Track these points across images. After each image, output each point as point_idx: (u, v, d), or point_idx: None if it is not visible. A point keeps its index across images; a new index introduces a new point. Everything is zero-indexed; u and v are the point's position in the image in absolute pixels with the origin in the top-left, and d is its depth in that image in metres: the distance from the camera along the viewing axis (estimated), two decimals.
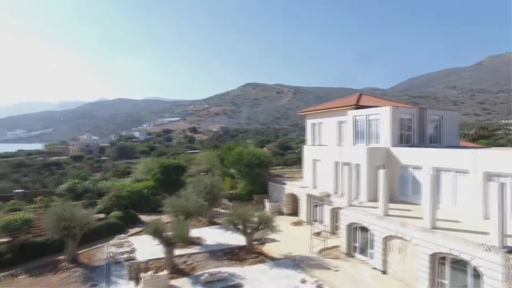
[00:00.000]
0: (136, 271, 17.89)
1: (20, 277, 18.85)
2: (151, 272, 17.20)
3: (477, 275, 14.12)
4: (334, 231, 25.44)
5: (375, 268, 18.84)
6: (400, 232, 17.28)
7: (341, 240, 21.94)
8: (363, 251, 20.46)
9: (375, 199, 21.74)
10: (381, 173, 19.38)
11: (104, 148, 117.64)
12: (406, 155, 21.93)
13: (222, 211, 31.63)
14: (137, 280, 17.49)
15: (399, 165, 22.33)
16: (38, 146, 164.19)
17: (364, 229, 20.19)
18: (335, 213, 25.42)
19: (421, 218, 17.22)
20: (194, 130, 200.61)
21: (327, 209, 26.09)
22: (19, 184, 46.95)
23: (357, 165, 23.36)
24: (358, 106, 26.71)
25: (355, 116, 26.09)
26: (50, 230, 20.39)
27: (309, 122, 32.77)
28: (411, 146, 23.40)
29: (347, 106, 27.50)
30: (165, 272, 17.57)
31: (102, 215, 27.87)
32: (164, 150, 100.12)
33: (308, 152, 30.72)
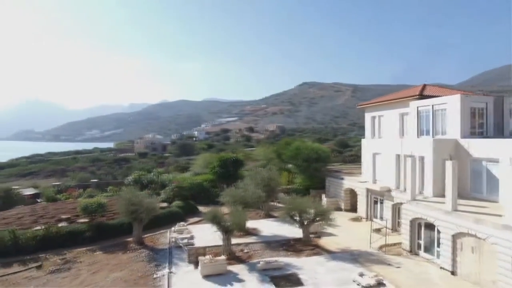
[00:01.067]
0: (195, 255, 18.67)
1: (97, 253, 20.91)
2: (210, 256, 17.83)
3: None
4: (395, 228, 24.17)
5: (442, 268, 17.46)
6: (473, 229, 15.76)
7: (403, 237, 20.75)
8: (428, 249, 19.12)
9: (441, 195, 20.15)
10: (449, 164, 17.93)
11: (166, 145, 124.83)
12: (479, 147, 20.00)
13: (279, 205, 31.72)
14: (196, 263, 18.28)
15: (470, 158, 20.47)
16: (109, 145, 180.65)
17: (430, 225, 18.86)
18: (396, 209, 24.13)
19: (499, 215, 15.60)
20: (251, 129, 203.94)
21: (388, 205, 24.87)
22: (94, 175, 51.88)
23: (422, 158, 21.92)
24: (422, 96, 25.01)
25: (419, 106, 24.49)
26: (121, 214, 22.21)
27: (368, 116, 31.48)
28: (485, 138, 21.34)
29: (410, 97, 25.91)
30: (223, 257, 18.10)
31: (164, 204, 29.59)
32: (222, 147, 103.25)
33: (368, 146, 29.56)
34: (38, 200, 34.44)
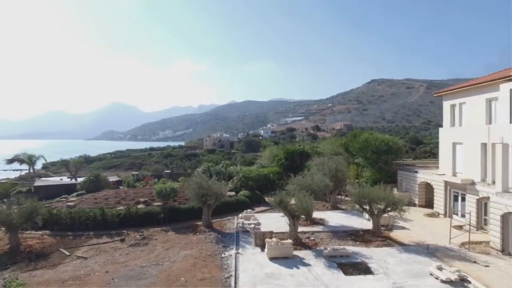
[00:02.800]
0: (261, 238, 18.85)
1: (169, 233, 22.34)
2: (276, 239, 17.85)
3: None
4: (480, 225, 21.77)
5: None
6: None
7: (491, 234, 18.54)
8: None
9: None
10: None
11: (233, 143, 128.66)
12: None
13: (347, 198, 30.67)
14: (262, 246, 18.45)
15: None
16: (180, 143, 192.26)
17: None
18: (481, 205, 21.72)
19: None
20: (317, 128, 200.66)
21: (471, 199, 22.47)
22: (167, 168, 55.52)
23: None
24: None
25: None
26: (191, 198, 23.32)
27: (447, 104, 28.76)
28: None
29: (501, 78, 23.03)
30: (289, 240, 17.99)
31: (232, 193, 30.43)
32: (288, 144, 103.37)
33: (446, 135, 27.05)
34: (120, 187, 37.97)
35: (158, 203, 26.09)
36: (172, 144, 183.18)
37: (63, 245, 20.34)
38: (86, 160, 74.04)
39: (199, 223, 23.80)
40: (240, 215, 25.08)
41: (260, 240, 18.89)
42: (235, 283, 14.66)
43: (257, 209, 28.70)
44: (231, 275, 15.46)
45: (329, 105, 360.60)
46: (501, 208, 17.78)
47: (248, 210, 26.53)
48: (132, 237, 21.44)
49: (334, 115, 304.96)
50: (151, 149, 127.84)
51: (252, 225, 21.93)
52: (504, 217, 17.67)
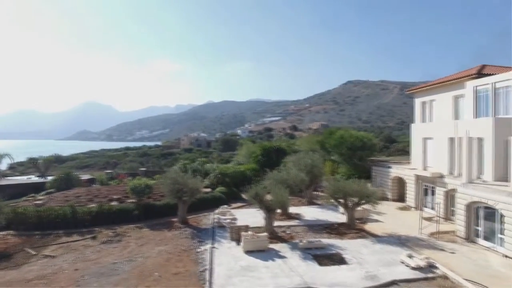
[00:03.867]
0: (237, 232, 18.77)
1: (144, 230, 21.85)
2: (252, 232, 17.83)
3: None
4: (448, 216, 22.62)
5: (507, 257, 15.86)
6: None
7: (457, 223, 19.32)
8: (488, 237, 17.58)
9: (504, 179, 18.45)
10: None
11: (210, 142, 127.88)
12: None
13: (322, 194, 31.08)
14: (238, 241, 18.38)
15: None
16: (157, 143, 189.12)
17: (490, 209, 17.34)
18: (449, 196, 22.56)
19: None
20: (294, 128, 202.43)
21: (439, 192, 23.31)
22: (143, 166, 54.36)
23: (480, 140, 20.24)
24: (480, 75, 23.15)
25: (477, 86, 22.64)
26: (166, 193, 22.93)
27: (418, 101, 29.78)
28: None
29: (466, 77, 24.09)
30: (265, 234, 18.01)
31: (208, 190, 30.18)
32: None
33: (417, 130, 27.94)
34: (93, 185, 36.84)
35: (133, 200, 25.49)
36: (148, 144, 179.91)
37: (29, 245, 19.40)
38: (58, 160, 71.41)
39: (175, 219, 23.44)
40: (216, 210, 24.91)
41: (236, 234, 18.81)
42: (210, 276, 14.53)
43: (233, 205, 28.59)
44: (206, 269, 15.31)
45: (306, 105, 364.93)
46: (466, 198, 18.53)
47: (224, 206, 26.40)
48: (104, 235, 20.81)
49: (311, 115, 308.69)
50: (127, 148, 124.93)
51: (228, 220, 21.86)
52: (468, 207, 18.42)
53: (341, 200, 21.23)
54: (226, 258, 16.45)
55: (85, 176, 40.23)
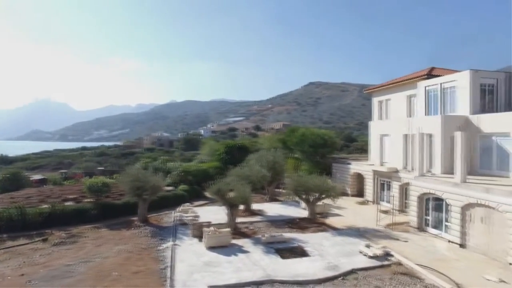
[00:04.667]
0: (199, 229, 18.54)
1: (102, 230, 20.91)
2: (214, 228, 17.69)
3: None
4: (402, 209, 23.83)
5: (451, 242, 17.14)
6: (483, 199, 15.41)
7: (410, 214, 20.43)
8: (436, 225, 18.76)
9: (450, 172, 19.77)
10: (458, 134, 17.58)
11: (173, 141, 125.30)
12: (489, 122, 19.61)
13: (284, 191, 31.54)
14: (200, 237, 18.16)
15: (480, 134, 20.07)
16: (117, 143, 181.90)
17: (438, 200, 18.51)
18: (404, 190, 23.78)
19: (509, 185, 15.25)
20: (257, 128, 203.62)
21: (395, 186, 24.51)
22: (100, 165, 52.06)
23: (430, 136, 21.54)
24: (430, 76, 24.66)
25: (427, 86, 24.13)
26: (126, 191, 22.16)
27: (375, 100, 31.15)
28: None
29: (417, 77, 25.56)
30: (227, 229, 17.94)
31: (170, 188, 29.57)
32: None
33: (375, 128, 29.19)
34: (45, 186, 34.71)
35: (90, 200, 24.37)
36: (107, 144, 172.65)
37: None
38: (4, 161, 66.34)
39: (135, 218, 22.71)
40: (178, 208, 24.48)
41: (198, 231, 18.58)
42: (171, 273, 14.22)
43: (196, 203, 28.25)
44: (167, 266, 14.98)
45: (269, 106, 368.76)
46: (418, 190, 19.64)
47: (187, 204, 26.02)
48: (57, 236, 19.58)
49: (274, 116, 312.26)
50: (83, 148, 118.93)
51: (190, 218, 21.58)
52: (420, 198, 19.55)
53: (303, 195, 21.65)
54: (188, 255, 16.19)
55: (36, 176, 37.75)
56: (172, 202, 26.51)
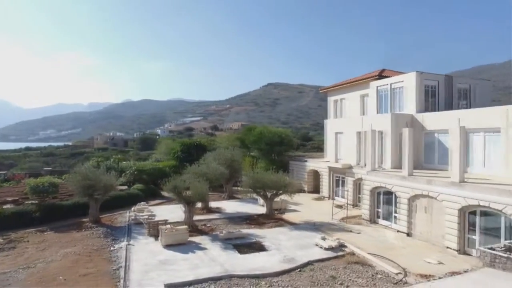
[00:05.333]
0: (155, 227, 18.00)
1: (47, 233, 19.48)
2: (170, 225, 17.26)
3: (510, 227, 13.31)
4: (356, 203, 24.84)
5: (399, 231, 18.20)
6: (426, 190, 16.54)
7: (363, 207, 21.35)
8: (386, 217, 19.80)
9: (399, 167, 20.96)
10: (406, 131, 18.68)
11: (127, 141, 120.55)
12: (432, 120, 21.07)
13: (242, 189, 31.57)
14: (156, 236, 17.64)
15: (424, 131, 21.50)
16: (67, 143, 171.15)
17: (388, 193, 19.53)
18: (357, 185, 24.80)
19: (448, 177, 16.46)
20: (215, 128, 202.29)
21: (349, 181, 25.49)
22: (48, 166, 48.75)
23: (381, 133, 22.67)
24: (381, 77, 25.99)
25: (378, 86, 25.40)
26: (76, 191, 20.90)
27: (331, 100, 32.20)
28: None
29: (370, 78, 26.84)
30: (184, 226, 17.57)
31: (124, 187, 28.42)
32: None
33: (330, 126, 30.18)
34: None
35: (34, 201, 22.63)
36: (56, 144, 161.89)
37: None
38: None
39: (86, 219, 21.52)
40: (133, 208, 23.58)
41: (154, 229, 18.03)
42: (125, 273, 13.63)
43: (152, 202, 27.43)
44: (120, 266, 14.34)
45: (227, 106, 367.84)
46: (370, 184, 20.59)
47: (142, 203, 25.11)
48: None
49: (232, 116, 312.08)
50: (27, 148, 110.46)
51: (146, 217, 20.82)
52: (372, 192, 20.51)
53: (260, 191, 21.80)
54: (143, 254, 15.63)
55: None
56: (126, 201, 25.51)
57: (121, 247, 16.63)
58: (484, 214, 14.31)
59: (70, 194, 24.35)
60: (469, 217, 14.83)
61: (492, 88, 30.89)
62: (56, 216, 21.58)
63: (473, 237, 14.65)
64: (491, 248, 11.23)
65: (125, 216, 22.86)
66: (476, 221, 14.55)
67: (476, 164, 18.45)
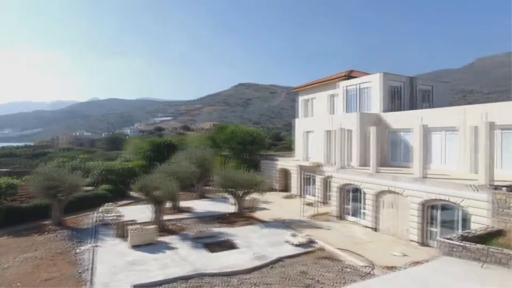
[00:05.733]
0: (123, 227, 17.54)
1: (3, 238, 18.33)
2: (139, 226, 16.89)
3: (465, 218, 14.16)
4: (325, 200, 25.37)
5: (366, 227, 18.83)
6: (392, 186, 17.23)
7: (332, 204, 21.88)
8: (354, 213, 20.41)
9: (366, 164, 21.70)
10: (372, 129, 19.34)
11: (95, 141, 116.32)
12: (396, 119, 21.96)
13: (213, 188, 31.39)
14: (124, 236, 17.18)
15: (389, 130, 22.35)
16: (28, 144, 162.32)
17: (356, 190, 20.14)
18: (326, 182, 25.34)
19: (412, 173, 17.23)
20: (186, 128, 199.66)
21: (318, 179, 25.99)
22: (7, 167, 46.08)
23: (349, 131, 23.26)
24: (349, 77, 26.73)
25: (347, 86, 26.10)
26: (38, 191, 19.91)
27: (301, 99, 32.73)
28: None
29: (338, 78, 27.54)
30: (153, 226, 17.25)
31: (90, 188, 27.47)
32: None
33: (300, 125, 30.65)
34: None
35: None
36: (16, 144, 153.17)
37: None
38: None
39: (49, 222, 20.58)
40: (100, 209, 22.84)
41: (122, 230, 17.54)
42: (91, 275, 13.20)
43: (120, 203, 26.67)
44: (86, 269, 13.86)
45: (199, 106, 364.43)
46: (338, 181, 21.14)
47: (110, 203, 24.37)
48: None
49: (203, 116, 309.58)
50: None
51: (113, 217, 20.23)
52: (341, 189, 21.08)
53: (232, 190, 21.79)
54: (111, 255, 15.20)
55: None
56: (92, 202, 24.64)
57: (87, 249, 16.07)
58: (443, 208, 15.11)
59: (32, 196, 23.19)
60: (430, 211, 15.60)
61: (450, 90, 32.90)
62: (15, 219, 20.43)
63: (434, 229, 15.44)
64: (449, 239, 11.91)
65: (91, 218, 22.10)
66: (436, 215, 15.34)
67: (437, 161, 19.43)
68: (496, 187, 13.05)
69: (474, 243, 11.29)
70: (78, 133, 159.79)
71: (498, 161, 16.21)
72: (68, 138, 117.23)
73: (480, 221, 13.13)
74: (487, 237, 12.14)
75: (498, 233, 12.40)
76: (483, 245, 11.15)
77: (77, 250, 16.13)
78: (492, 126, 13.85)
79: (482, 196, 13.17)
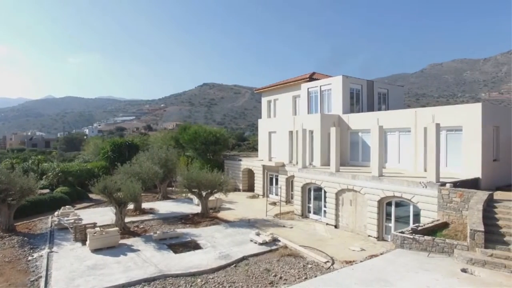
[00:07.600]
0: (83, 231, 16.91)
1: None
2: (99, 228, 16.36)
3: (416, 213, 15.17)
4: (289, 200, 25.92)
5: (328, 224, 19.50)
6: (351, 184, 18.00)
7: (295, 203, 22.41)
8: (316, 211, 21.05)
9: (328, 164, 22.41)
10: (333, 130, 20.07)
11: (50, 141, 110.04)
12: (355, 120, 22.92)
13: (177, 189, 30.97)
14: (84, 240, 16.58)
15: (350, 130, 23.28)
16: None
17: (318, 189, 20.78)
18: (290, 182, 25.90)
19: (370, 172, 18.10)
20: (149, 128, 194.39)
21: (282, 179, 26.50)
22: None
23: (311, 132, 24.00)
24: (311, 79, 27.50)
25: (309, 88, 26.83)
26: None
27: (264, 100, 33.14)
28: None
29: (301, 80, 28.23)
30: (115, 228, 16.78)
31: (46, 191, 26.13)
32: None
33: (264, 125, 31.05)
34: None
35: None
36: None
37: None
38: None
39: None
40: (56, 212, 21.77)
41: (81, 233, 16.93)
42: (46, 283, 12.60)
43: (79, 205, 25.67)
44: (40, 277, 13.19)
45: (162, 105, 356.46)
46: (301, 181, 21.71)
47: (68, 206, 23.30)
48: None
49: (167, 116, 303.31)
50: None
51: (72, 221, 19.37)
52: (303, 188, 21.66)
53: (196, 190, 21.69)
54: (69, 260, 14.59)
55: None
56: (48, 206, 23.51)
57: (41, 256, 15.29)
58: (397, 204, 16.06)
59: None
60: (386, 207, 16.51)
61: (405, 94, 34.88)
62: None
63: (389, 224, 16.35)
64: (401, 232, 12.75)
65: (46, 222, 21.04)
66: (391, 211, 16.26)
67: (392, 160, 20.54)
68: (442, 184, 14.14)
69: (422, 236, 12.27)
70: (30, 133, 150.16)
71: (444, 159, 17.49)
72: (20, 138, 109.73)
73: (429, 215, 14.16)
74: (434, 230, 13.21)
75: (444, 225, 13.51)
76: (430, 237, 12.17)
77: (29, 258, 15.29)
78: (438, 128, 14.97)
79: (430, 192, 14.21)
